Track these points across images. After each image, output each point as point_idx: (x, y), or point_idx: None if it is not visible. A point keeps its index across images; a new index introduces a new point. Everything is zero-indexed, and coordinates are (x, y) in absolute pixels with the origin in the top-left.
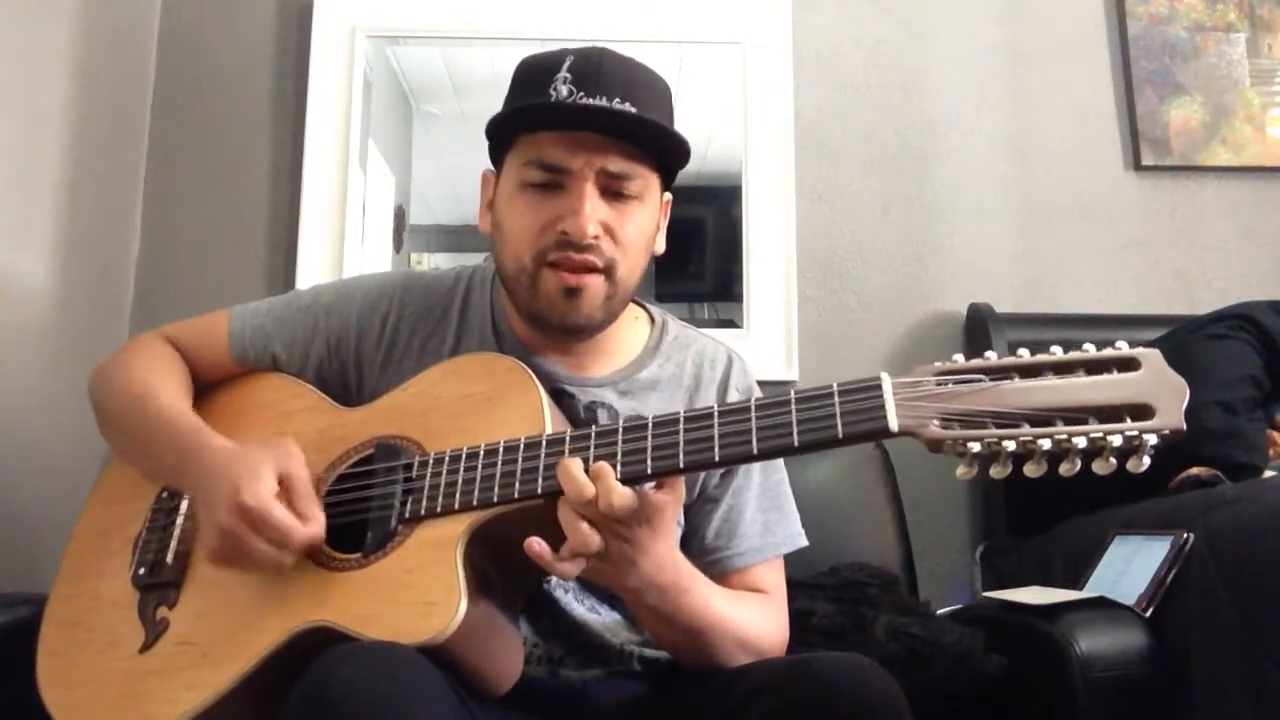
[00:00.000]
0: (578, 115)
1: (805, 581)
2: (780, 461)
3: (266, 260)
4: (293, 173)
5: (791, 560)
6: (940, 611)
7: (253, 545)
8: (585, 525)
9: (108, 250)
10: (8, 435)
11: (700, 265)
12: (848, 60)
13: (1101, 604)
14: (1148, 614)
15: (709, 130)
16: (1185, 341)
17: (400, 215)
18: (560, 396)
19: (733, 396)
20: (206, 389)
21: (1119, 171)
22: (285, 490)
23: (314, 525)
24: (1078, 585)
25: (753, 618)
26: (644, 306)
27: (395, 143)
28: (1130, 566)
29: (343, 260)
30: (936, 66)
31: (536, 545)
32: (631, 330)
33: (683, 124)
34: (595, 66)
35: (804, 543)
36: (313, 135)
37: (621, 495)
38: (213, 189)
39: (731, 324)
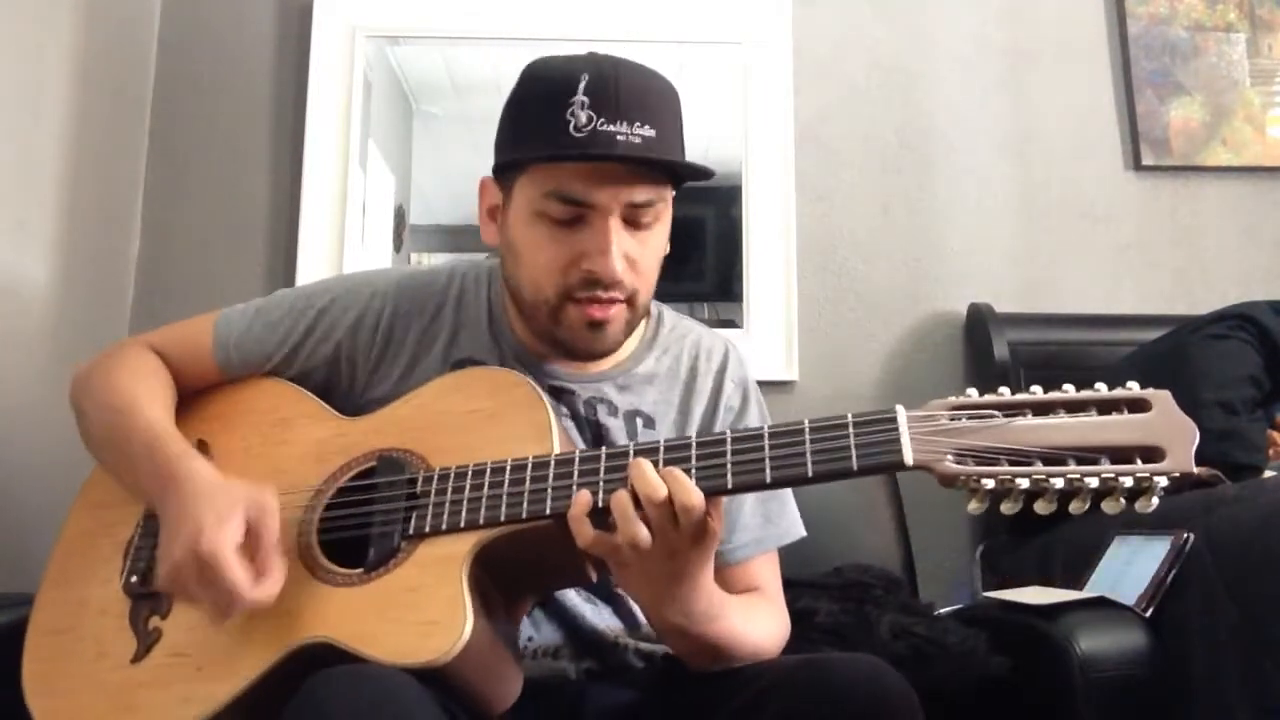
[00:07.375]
0: (604, 153)
1: (809, 581)
2: None
3: (266, 260)
4: (293, 173)
5: (794, 560)
6: (941, 611)
7: (198, 594)
8: (640, 521)
9: (108, 250)
10: (7, 435)
11: (700, 265)
12: (848, 60)
13: (1101, 604)
14: (1148, 614)
15: (709, 130)
16: (1185, 342)
17: (400, 215)
18: (560, 394)
19: (728, 389)
20: (201, 393)
21: (1119, 171)
22: (251, 542)
23: (268, 586)
24: (1078, 585)
25: (764, 627)
26: None
27: (395, 143)
28: (1130, 566)
29: (343, 260)
30: (936, 66)
31: (584, 502)
32: None
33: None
34: (613, 85)
35: (803, 532)
36: (313, 135)
37: (697, 494)
38: (213, 189)
39: (731, 324)
